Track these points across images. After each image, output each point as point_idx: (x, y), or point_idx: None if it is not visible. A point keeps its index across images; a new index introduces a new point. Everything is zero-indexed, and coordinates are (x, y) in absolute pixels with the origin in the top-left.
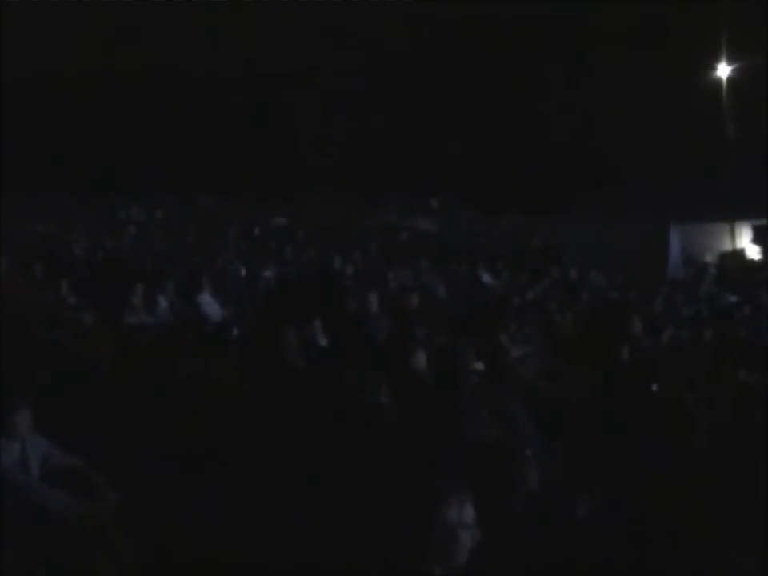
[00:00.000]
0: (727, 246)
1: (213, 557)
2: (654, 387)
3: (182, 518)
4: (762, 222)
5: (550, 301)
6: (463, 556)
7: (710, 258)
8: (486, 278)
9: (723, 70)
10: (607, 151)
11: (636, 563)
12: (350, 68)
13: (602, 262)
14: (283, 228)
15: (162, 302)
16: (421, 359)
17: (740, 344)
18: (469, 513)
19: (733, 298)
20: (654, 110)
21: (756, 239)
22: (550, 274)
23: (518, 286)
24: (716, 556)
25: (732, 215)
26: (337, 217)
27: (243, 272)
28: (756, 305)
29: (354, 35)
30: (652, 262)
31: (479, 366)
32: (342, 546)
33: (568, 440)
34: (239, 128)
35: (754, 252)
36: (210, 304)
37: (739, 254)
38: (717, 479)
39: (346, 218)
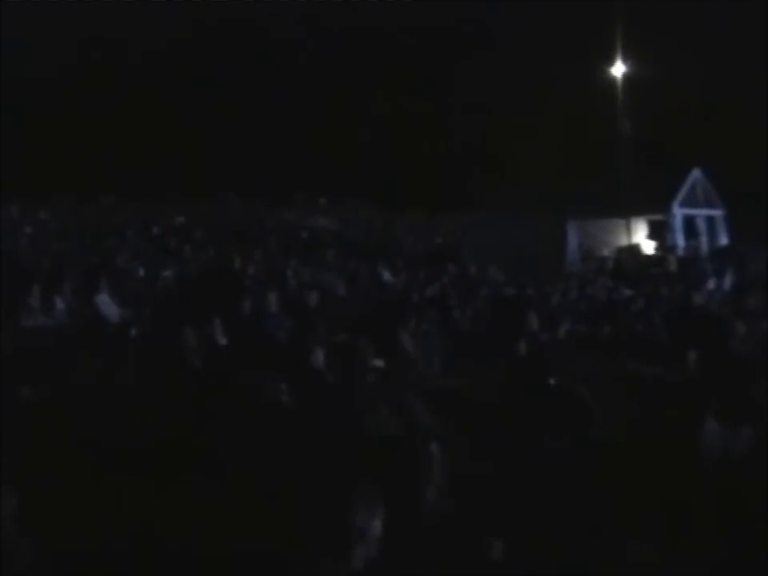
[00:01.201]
0: (623, 241)
1: (114, 557)
2: (552, 381)
3: (83, 518)
4: (656, 217)
5: (449, 297)
6: (368, 560)
7: (606, 253)
8: (386, 275)
9: (618, 69)
10: (505, 149)
11: (538, 554)
12: (252, 66)
13: (501, 258)
14: (182, 227)
15: (59, 304)
16: (319, 357)
17: (635, 337)
18: (377, 524)
19: (628, 292)
20: (550, 108)
21: (651, 234)
22: (450, 271)
23: (417, 283)
24: (615, 545)
25: (628, 211)
26: (236, 216)
27: (142, 272)
28: (650, 298)
29: (259, 34)
30: (550, 258)
31: (379, 363)
32: (245, 544)
33: (468, 434)
34: (137, 127)
35: (649, 247)
36: (107, 305)
37: (635, 249)
38: (615, 470)
39: (246, 216)
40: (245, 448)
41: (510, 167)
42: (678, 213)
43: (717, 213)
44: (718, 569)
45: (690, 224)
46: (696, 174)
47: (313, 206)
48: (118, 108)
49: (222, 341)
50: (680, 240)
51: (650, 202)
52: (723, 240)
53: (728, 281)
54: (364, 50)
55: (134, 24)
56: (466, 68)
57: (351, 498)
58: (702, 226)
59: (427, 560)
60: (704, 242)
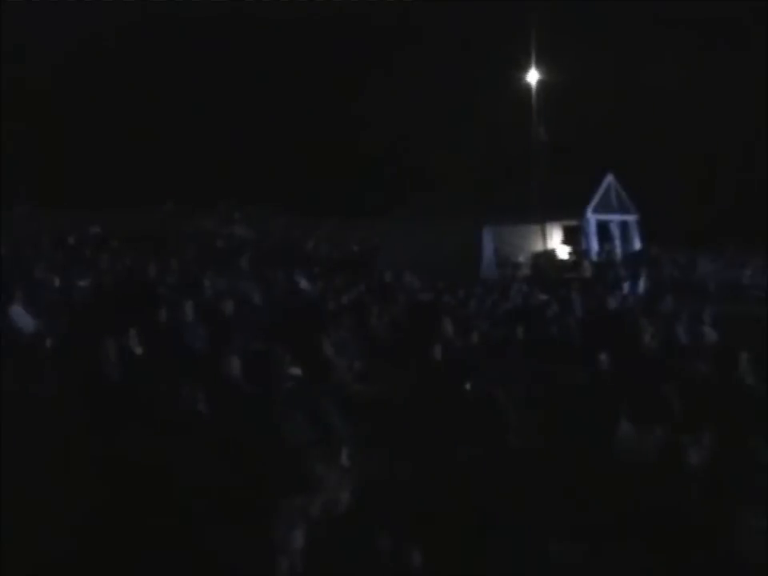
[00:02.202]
0: (539, 246)
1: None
2: (467, 385)
3: None
4: (571, 223)
5: (366, 304)
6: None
7: (522, 258)
8: (303, 282)
9: (533, 76)
10: (421, 155)
11: (456, 559)
12: (167, 73)
13: (417, 264)
14: (98, 237)
15: None
16: (235, 366)
17: (550, 341)
18: (297, 538)
19: (544, 297)
20: (466, 115)
21: (566, 240)
22: (366, 277)
23: (334, 291)
24: (535, 545)
25: (543, 217)
26: (153, 225)
27: (57, 282)
28: (565, 303)
29: (172, 42)
30: (466, 264)
31: (296, 370)
32: (166, 557)
33: (385, 439)
34: (50, 135)
35: (564, 252)
36: (22, 315)
37: (550, 255)
38: (531, 472)
39: (163, 225)
40: (162, 457)
41: (425, 174)
42: (592, 218)
43: (630, 218)
44: (637, 567)
45: (603, 229)
46: (609, 179)
47: (230, 215)
48: (30, 115)
49: (138, 351)
50: (594, 245)
51: (565, 208)
52: (636, 244)
53: (642, 284)
54: (277, 57)
55: (33, 27)
56: (381, 74)
57: (271, 512)
58: (615, 230)
59: (341, 566)
60: (618, 246)
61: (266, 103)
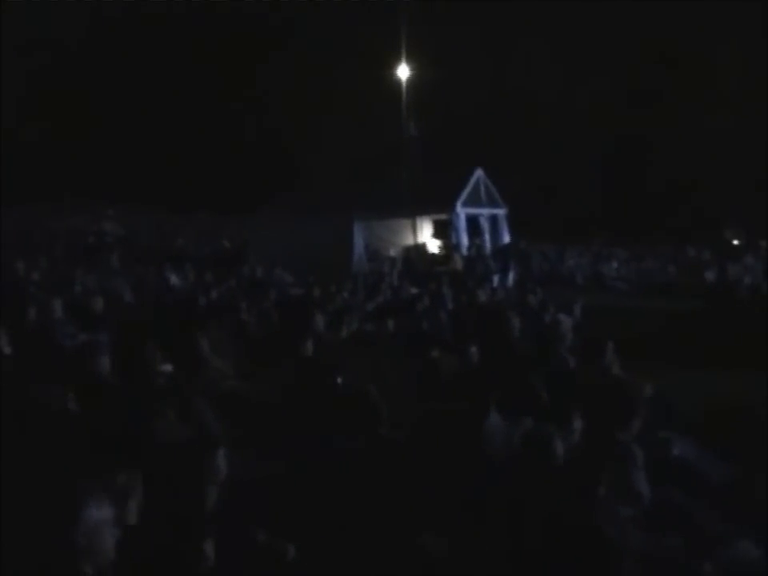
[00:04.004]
0: (409, 240)
1: None
2: (339, 380)
3: None
4: (441, 217)
5: (237, 300)
6: (110, 552)
7: (393, 252)
8: (173, 279)
9: (403, 71)
10: (291, 151)
11: (331, 553)
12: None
13: (289, 260)
14: None
15: None
16: (105, 363)
17: (421, 335)
18: (107, 511)
19: (415, 291)
20: (336, 110)
21: (436, 234)
22: (238, 273)
23: (205, 287)
24: (406, 538)
25: (413, 211)
26: (22, 222)
27: None
28: (436, 296)
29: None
30: (337, 258)
31: (167, 367)
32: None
33: (258, 437)
34: None
35: (434, 246)
36: None
37: (421, 249)
38: (404, 465)
39: (31, 222)
40: (32, 458)
41: (296, 169)
42: (462, 212)
43: (499, 211)
44: (503, 557)
45: (473, 223)
46: (479, 173)
47: (100, 212)
48: None
49: (7, 350)
50: (464, 239)
51: (435, 202)
52: (505, 238)
53: (511, 277)
54: (150, 53)
55: None
56: (251, 70)
57: (87, 501)
58: (485, 224)
59: (215, 566)
60: (487, 240)
61: (138, 99)
